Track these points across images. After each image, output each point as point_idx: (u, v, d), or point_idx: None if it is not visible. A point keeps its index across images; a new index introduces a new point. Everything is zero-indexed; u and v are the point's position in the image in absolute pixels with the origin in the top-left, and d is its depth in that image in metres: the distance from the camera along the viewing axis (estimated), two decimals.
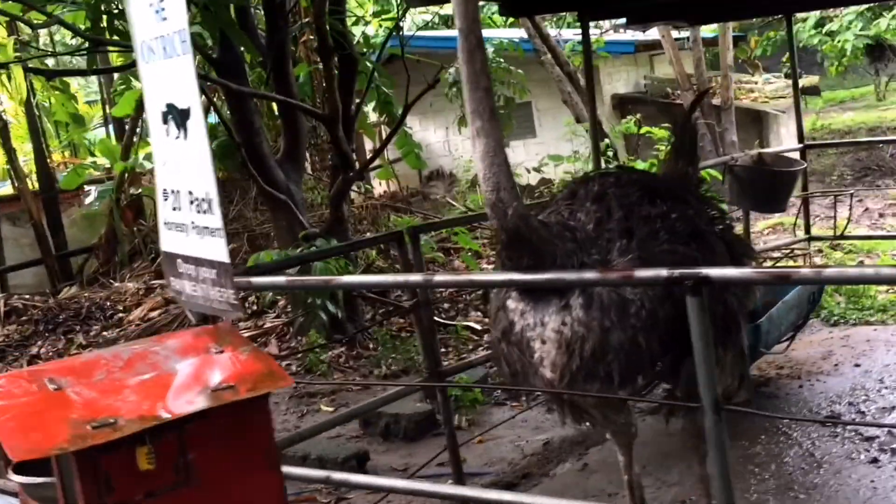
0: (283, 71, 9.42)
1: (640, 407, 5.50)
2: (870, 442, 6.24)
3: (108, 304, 12.46)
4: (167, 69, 3.12)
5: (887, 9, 19.53)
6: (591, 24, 8.94)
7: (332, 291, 8.81)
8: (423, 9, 15.21)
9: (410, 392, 6.76)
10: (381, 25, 11.14)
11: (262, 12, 9.93)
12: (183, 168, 3.16)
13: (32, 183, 16.43)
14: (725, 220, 4.79)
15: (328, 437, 7.35)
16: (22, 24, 12.08)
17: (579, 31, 15.30)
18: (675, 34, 16.41)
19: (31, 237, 15.48)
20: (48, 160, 16.35)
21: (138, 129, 14.75)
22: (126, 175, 14.69)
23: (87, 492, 2.40)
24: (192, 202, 3.13)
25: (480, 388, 7.87)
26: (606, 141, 14.07)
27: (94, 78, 18.18)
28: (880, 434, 6.28)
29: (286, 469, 2.90)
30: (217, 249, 3.03)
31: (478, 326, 10.02)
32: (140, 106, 13.38)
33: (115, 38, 8.08)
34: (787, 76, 19.68)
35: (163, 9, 3.08)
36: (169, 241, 3.36)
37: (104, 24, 7.79)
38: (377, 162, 14.37)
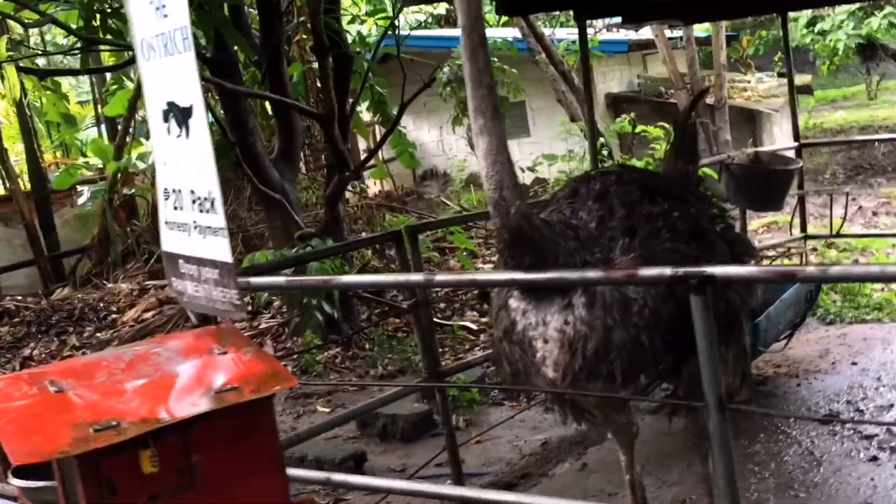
0: (277, 70, 9.38)
1: (640, 406, 5.47)
2: (869, 440, 6.24)
3: (102, 305, 12.40)
4: (168, 67, 3.08)
5: (878, 8, 19.56)
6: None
7: (329, 292, 8.77)
8: (416, 8, 15.22)
9: (409, 392, 6.74)
10: (376, 24, 11.10)
11: (256, 11, 9.89)
12: (184, 167, 3.12)
13: (24, 183, 16.34)
14: (726, 219, 4.77)
15: (325, 438, 7.31)
16: (13, 23, 12.02)
17: (573, 30, 15.32)
18: (668, 33, 16.42)
19: (24, 238, 15.39)
20: (40, 160, 16.27)
21: (131, 129, 14.69)
22: (119, 175, 14.63)
23: (89, 495, 2.36)
24: (193, 201, 3.09)
25: (478, 389, 7.85)
26: (601, 140, 14.05)
27: (85, 78, 18.11)
28: (879, 432, 6.28)
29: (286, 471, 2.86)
30: (220, 249, 2.99)
31: (474, 326, 10.00)
32: (133, 105, 13.37)
33: (109, 37, 8.02)
34: (780, 75, 19.72)
35: (163, 6, 3.04)
36: (170, 241, 3.32)
37: (97, 22, 7.74)
38: (371, 161, 14.32)
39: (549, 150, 16.61)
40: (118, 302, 12.31)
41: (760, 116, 17.88)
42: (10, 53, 11.82)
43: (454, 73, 13.05)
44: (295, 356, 9.38)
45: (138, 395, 2.51)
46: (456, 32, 17.51)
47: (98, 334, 11.40)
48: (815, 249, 11.10)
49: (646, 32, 16.97)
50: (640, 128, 12.90)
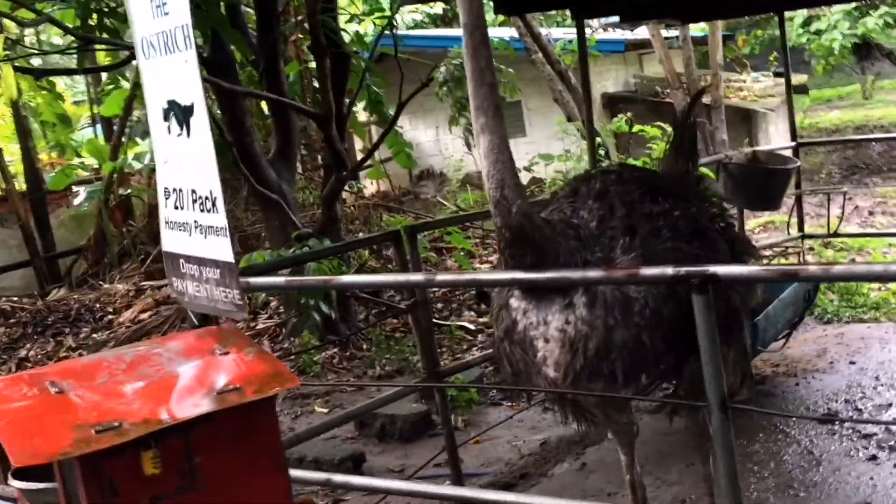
0: (275, 70, 9.36)
1: (640, 406, 5.47)
2: (868, 439, 6.24)
3: (98, 305, 12.36)
4: (168, 65, 3.06)
5: (874, 7, 19.57)
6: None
7: (326, 292, 8.76)
8: (412, 8, 15.20)
9: (409, 393, 6.72)
10: (374, 23, 11.08)
11: (253, 11, 9.86)
12: (185, 166, 3.09)
13: (20, 184, 16.30)
14: (726, 218, 4.76)
15: (323, 438, 7.29)
16: (8, 22, 11.97)
17: (569, 29, 15.28)
18: (664, 33, 16.42)
19: (19, 238, 15.35)
20: (35, 161, 16.22)
21: (127, 129, 14.64)
22: (115, 175, 14.59)
23: (91, 497, 2.34)
24: (194, 201, 3.07)
25: (477, 389, 7.83)
26: (598, 140, 14.04)
27: (80, 78, 18.05)
28: (878, 431, 6.28)
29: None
30: (222, 249, 2.96)
31: (471, 326, 9.98)
32: (129, 105, 13.32)
33: (105, 36, 7.99)
34: (776, 75, 19.73)
35: (164, 3, 3.01)
36: (171, 241, 3.29)
37: (94, 21, 7.70)
38: (367, 161, 14.29)
39: (545, 149, 16.60)
40: (114, 303, 12.28)
41: (756, 116, 17.90)
42: (7, 53, 11.77)
43: (451, 73, 13.04)
44: (292, 357, 9.36)
45: (140, 395, 2.49)
46: (452, 32, 17.63)
47: (94, 335, 11.37)
48: (811, 249, 11.10)
49: (642, 32, 16.98)
50: (637, 127, 12.89)
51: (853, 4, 17.91)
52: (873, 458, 5.98)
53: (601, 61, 17.67)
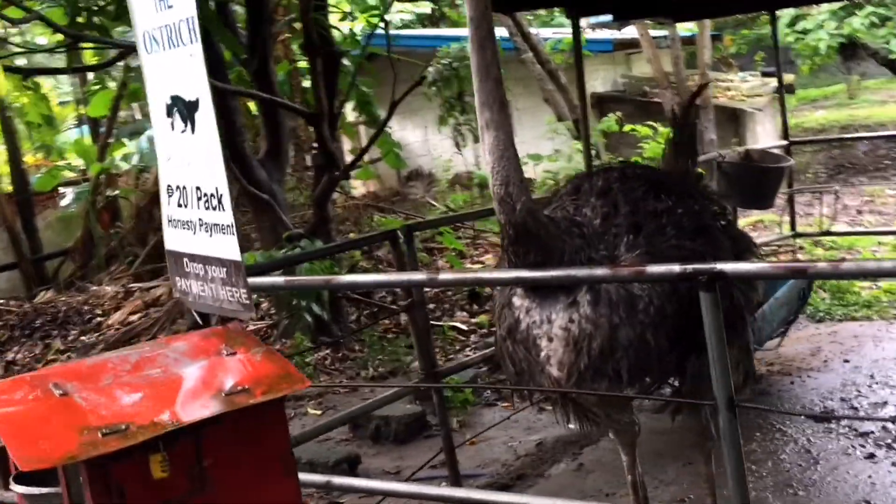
0: (265, 69, 9.28)
1: (641, 405, 5.43)
2: (865, 437, 6.24)
3: (86, 308, 12.24)
4: (172, 59, 2.99)
5: (860, 7, 19.62)
6: (568, 22, 8.87)
7: (318, 293, 8.69)
8: (401, 7, 15.14)
9: (407, 394, 6.67)
10: (368, 22, 11.03)
11: (242, 10, 9.78)
12: (190, 163, 3.02)
13: (5, 185, 16.16)
14: (727, 216, 4.73)
15: (317, 440, 7.23)
16: None
17: (558, 29, 15.23)
18: (652, 33, 16.42)
19: (5, 240, 15.21)
20: (21, 162, 16.09)
21: (115, 130, 14.53)
22: (102, 176, 14.46)
23: (97, 502, 2.27)
24: (199, 198, 3.00)
25: (472, 389, 7.79)
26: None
27: (65, 78, 17.93)
28: (875, 429, 6.29)
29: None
30: (228, 247, 2.90)
31: (464, 327, 9.95)
32: (115, 106, 13.22)
33: (95, 34, 7.91)
34: (764, 74, 19.76)
35: None
36: (174, 240, 3.22)
37: (83, 19, 7.62)
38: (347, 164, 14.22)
39: (534, 149, 16.54)
40: (103, 305, 12.16)
41: (744, 115, 17.92)
42: None
43: (439, 73, 12.98)
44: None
45: (146, 397, 2.43)
46: (441, 32, 17.58)
47: (83, 338, 11.26)
48: (801, 248, 11.11)
49: (629, 32, 16.97)
50: (628, 126, 12.87)
51: (841, 3, 17.94)
52: (871, 456, 5.97)
53: (589, 61, 17.53)
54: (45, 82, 16.44)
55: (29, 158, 17.73)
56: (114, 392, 2.45)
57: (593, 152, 13.41)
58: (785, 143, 9.50)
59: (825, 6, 18.58)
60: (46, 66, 14.85)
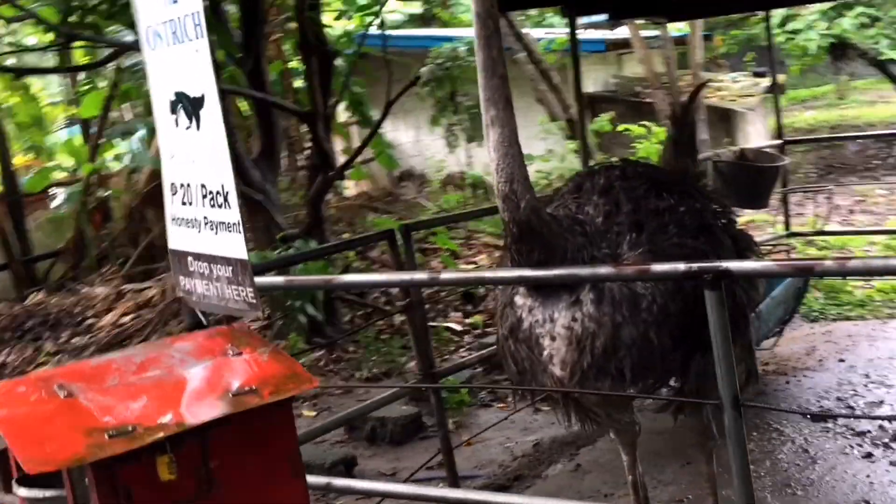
0: (258, 69, 9.23)
1: (643, 405, 5.41)
2: (862, 437, 6.24)
3: (78, 309, 12.15)
4: (177, 55, 2.95)
5: (849, 8, 19.63)
6: (559, 22, 8.90)
7: (313, 294, 8.66)
8: (392, 7, 15.09)
9: (404, 395, 6.63)
10: (360, 21, 11.00)
11: (234, 9, 9.73)
12: (195, 160, 2.97)
13: None
14: (728, 214, 4.71)
15: (313, 441, 7.19)
16: None
17: (550, 29, 15.19)
18: (643, 33, 16.42)
19: None
20: (10, 163, 15.97)
21: (106, 130, 14.44)
22: (94, 177, 14.37)
23: None
24: (204, 196, 2.96)
25: (468, 390, 7.75)
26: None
27: (54, 79, 17.83)
28: (872, 429, 6.29)
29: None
30: (234, 246, 2.85)
31: (458, 327, 9.92)
32: (106, 106, 13.15)
33: (88, 32, 7.85)
34: (755, 74, 19.77)
35: None
36: (178, 238, 3.17)
37: (76, 18, 7.56)
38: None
39: (526, 149, 16.19)
40: (94, 306, 12.08)
41: (735, 116, 17.94)
42: None
43: (432, 73, 12.97)
44: None
45: (152, 398, 2.39)
46: (432, 32, 17.54)
47: (74, 339, 11.18)
48: (793, 247, 11.12)
49: (621, 32, 16.97)
50: (622, 126, 12.86)
51: (832, 4, 17.95)
52: (868, 455, 5.97)
53: (581, 61, 17.60)
54: (35, 83, 16.36)
55: (19, 159, 17.61)
56: (119, 393, 2.41)
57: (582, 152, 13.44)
58: (779, 142, 9.50)
59: (815, 6, 18.58)
60: (36, 66, 14.75)
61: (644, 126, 13.29)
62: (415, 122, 17.99)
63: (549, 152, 15.44)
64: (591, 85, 18.62)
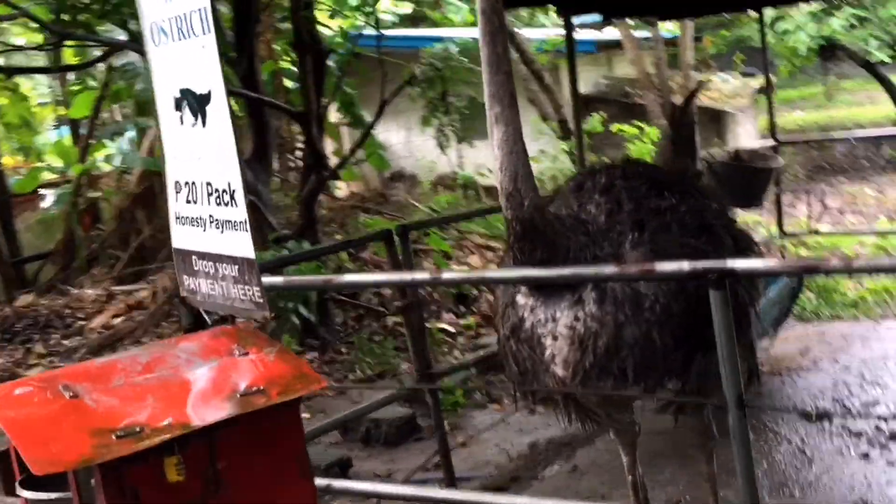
0: (251, 69, 9.19)
1: (644, 405, 5.40)
2: (858, 437, 6.25)
3: (68, 311, 12.04)
4: (182, 51, 2.90)
5: (839, 9, 19.70)
6: (551, 23, 8.91)
7: (306, 295, 8.61)
8: (383, 8, 15.04)
9: (402, 396, 6.60)
10: (351, 21, 10.96)
11: (227, 9, 9.68)
12: (200, 157, 2.93)
13: None
14: (728, 214, 4.70)
15: (308, 443, 7.14)
16: None
17: (539, 29, 15.16)
18: (634, 34, 16.43)
19: None
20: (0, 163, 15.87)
21: (96, 131, 14.35)
22: (84, 178, 14.27)
23: None
24: (210, 194, 2.92)
25: (462, 391, 7.72)
26: (573, 140, 13.99)
27: (43, 79, 17.73)
28: (868, 429, 6.29)
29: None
30: (241, 244, 2.82)
31: (451, 329, 9.88)
32: (97, 106, 13.07)
33: (80, 31, 7.80)
34: (743, 75, 19.81)
35: None
36: (182, 237, 3.13)
37: (68, 17, 7.50)
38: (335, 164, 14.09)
39: None
40: (85, 308, 11.98)
41: (725, 116, 17.97)
42: None
43: (423, 73, 12.92)
44: None
45: (159, 399, 2.35)
46: (423, 32, 17.50)
47: (65, 342, 11.08)
48: (784, 247, 11.14)
49: (611, 33, 16.96)
50: (615, 126, 12.86)
51: (821, 4, 18.01)
52: (865, 455, 5.99)
53: None
54: (24, 83, 16.25)
55: (7, 160, 17.50)
56: (125, 393, 2.37)
57: (576, 152, 13.44)
58: (773, 142, 9.52)
59: (805, 7, 18.64)
60: (26, 66, 14.66)
61: (637, 126, 13.28)
62: (405, 122, 17.94)
63: (541, 153, 15.41)
64: (581, 86, 18.47)
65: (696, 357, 3.88)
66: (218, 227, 2.91)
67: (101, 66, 12.10)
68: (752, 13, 14.87)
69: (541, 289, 3.77)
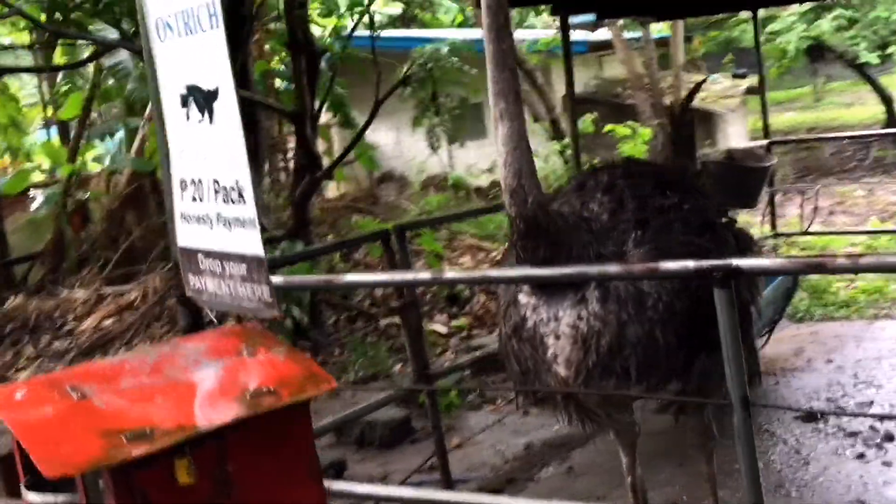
0: (245, 69, 9.13)
1: (645, 405, 5.39)
2: (853, 437, 6.24)
3: (58, 313, 11.95)
4: (188, 47, 2.86)
5: (827, 9, 19.77)
6: (541, 25, 8.90)
7: (299, 296, 8.58)
8: (373, 9, 15.00)
9: (399, 397, 6.56)
10: (342, 21, 10.92)
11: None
12: (207, 155, 2.89)
13: None
14: (728, 213, 4.69)
15: None
16: None
17: (530, 30, 15.15)
18: (624, 35, 16.45)
19: None
20: None
21: (85, 132, 14.26)
22: (73, 179, 14.17)
23: None
24: (217, 192, 2.88)
25: (457, 392, 7.69)
26: (566, 140, 14.00)
27: (30, 80, 17.61)
28: (863, 429, 6.29)
29: None
30: (250, 242, 2.77)
31: (443, 330, 9.85)
32: (87, 107, 12.99)
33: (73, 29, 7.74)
34: (734, 76, 19.86)
35: None
36: (187, 236, 3.08)
37: (60, 16, 7.44)
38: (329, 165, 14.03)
39: None
40: (75, 310, 11.89)
41: (715, 117, 18.00)
42: None
43: (414, 74, 12.89)
44: None
45: (169, 400, 2.32)
46: (413, 33, 17.46)
47: (55, 343, 11.00)
48: (776, 247, 11.15)
49: (601, 34, 16.98)
50: (608, 127, 12.86)
51: (811, 5, 18.08)
52: (861, 455, 5.98)
53: (561, 62, 17.60)
54: (11, 83, 16.14)
55: None
56: (134, 395, 2.33)
57: (569, 153, 13.43)
58: (766, 142, 9.53)
59: (793, 8, 18.71)
60: (14, 67, 14.54)
61: (629, 127, 13.27)
62: (395, 123, 17.88)
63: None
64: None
65: (698, 356, 3.86)
66: (225, 225, 2.87)
67: (90, 66, 12.03)
68: (744, 13, 14.99)
69: (543, 287, 3.75)
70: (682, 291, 3.74)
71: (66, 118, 14.70)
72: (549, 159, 14.51)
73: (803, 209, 10.03)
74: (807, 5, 17.15)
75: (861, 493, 5.51)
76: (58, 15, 7.48)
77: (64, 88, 13.45)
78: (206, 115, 2.85)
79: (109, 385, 2.36)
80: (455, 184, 16.24)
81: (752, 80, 19.70)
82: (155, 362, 2.47)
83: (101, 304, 11.70)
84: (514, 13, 17.77)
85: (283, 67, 12.36)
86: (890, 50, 20.41)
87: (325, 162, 11.18)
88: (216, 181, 2.88)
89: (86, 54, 10.09)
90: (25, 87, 20.37)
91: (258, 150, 9.83)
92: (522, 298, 3.84)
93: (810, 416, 6.51)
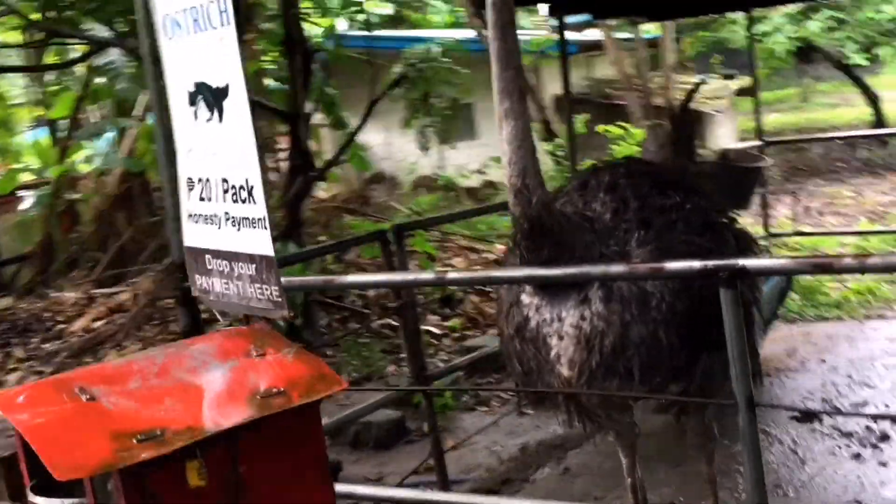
0: None
1: (646, 405, 5.38)
2: (849, 437, 6.27)
3: (47, 315, 11.85)
4: (198, 44, 2.82)
5: (815, 10, 19.83)
6: (534, 25, 8.89)
7: (292, 297, 8.52)
8: (364, 9, 14.99)
9: (396, 397, 6.54)
10: (332, 21, 10.90)
11: None
12: (216, 153, 2.86)
13: None
14: (728, 212, 4.68)
15: None
16: None
17: (522, 31, 15.13)
18: (615, 35, 16.45)
19: None
20: None
21: (75, 132, 14.16)
22: (63, 179, 14.07)
23: None
24: (226, 191, 2.84)
25: (452, 393, 7.67)
26: (557, 141, 14.00)
27: (18, 79, 17.50)
28: (858, 429, 6.31)
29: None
30: (259, 242, 2.74)
31: (437, 331, 9.82)
32: (78, 107, 12.91)
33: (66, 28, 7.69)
34: (725, 77, 19.90)
35: None
36: (195, 236, 3.05)
37: (54, 14, 7.39)
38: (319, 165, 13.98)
39: (497, 152, 16.31)
40: (64, 311, 11.80)
41: (705, 118, 18.04)
42: None
43: (405, 74, 12.86)
44: None
45: (179, 401, 2.28)
46: (404, 33, 17.44)
47: (45, 345, 10.91)
48: (768, 248, 11.17)
49: (592, 34, 16.98)
50: (601, 128, 12.86)
51: (801, 5, 18.14)
52: (857, 456, 6.01)
53: (555, 63, 17.59)
54: (1, 83, 16.03)
55: None
56: (143, 396, 2.30)
57: (562, 153, 13.45)
58: (760, 143, 9.54)
59: (782, 9, 18.77)
60: (4, 66, 14.44)
61: (621, 127, 13.28)
62: (385, 123, 17.83)
63: None
64: (561, 87, 18.60)
65: (700, 357, 3.85)
66: (234, 225, 2.84)
67: (81, 66, 11.94)
68: (733, 14, 15.02)
69: (546, 287, 3.73)
70: (685, 291, 3.73)
71: (57, 117, 14.60)
72: (540, 160, 14.48)
73: (794, 210, 10.05)
74: (796, 5, 17.18)
75: (858, 493, 5.53)
76: (51, 13, 7.43)
77: (54, 88, 13.35)
78: (216, 112, 2.82)
79: (118, 387, 2.32)
80: (446, 184, 16.21)
81: (741, 81, 19.78)
82: (163, 364, 2.44)
83: (91, 306, 11.62)
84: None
85: (274, 67, 12.30)
86: (877, 51, 20.51)
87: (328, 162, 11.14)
88: (225, 180, 2.85)
89: (76, 54, 10.01)
90: (14, 87, 20.24)
91: None
92: (525, 299, 3.82)
93: (806, 417, 6.51)
